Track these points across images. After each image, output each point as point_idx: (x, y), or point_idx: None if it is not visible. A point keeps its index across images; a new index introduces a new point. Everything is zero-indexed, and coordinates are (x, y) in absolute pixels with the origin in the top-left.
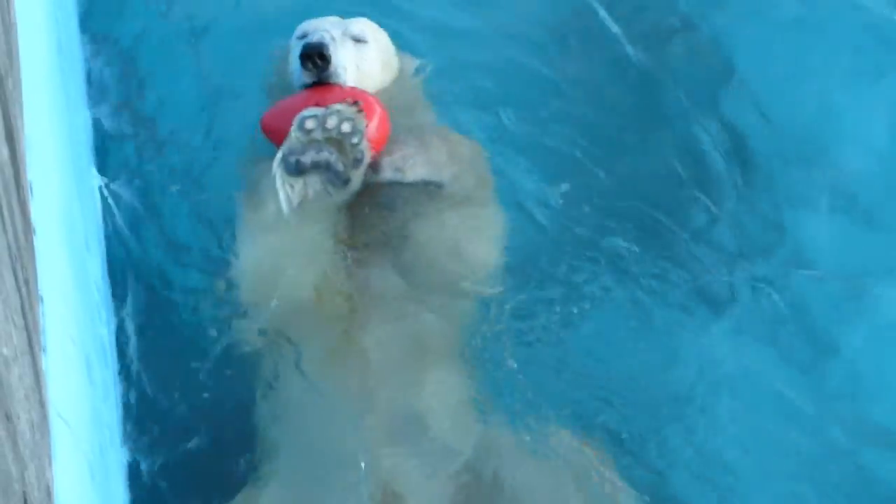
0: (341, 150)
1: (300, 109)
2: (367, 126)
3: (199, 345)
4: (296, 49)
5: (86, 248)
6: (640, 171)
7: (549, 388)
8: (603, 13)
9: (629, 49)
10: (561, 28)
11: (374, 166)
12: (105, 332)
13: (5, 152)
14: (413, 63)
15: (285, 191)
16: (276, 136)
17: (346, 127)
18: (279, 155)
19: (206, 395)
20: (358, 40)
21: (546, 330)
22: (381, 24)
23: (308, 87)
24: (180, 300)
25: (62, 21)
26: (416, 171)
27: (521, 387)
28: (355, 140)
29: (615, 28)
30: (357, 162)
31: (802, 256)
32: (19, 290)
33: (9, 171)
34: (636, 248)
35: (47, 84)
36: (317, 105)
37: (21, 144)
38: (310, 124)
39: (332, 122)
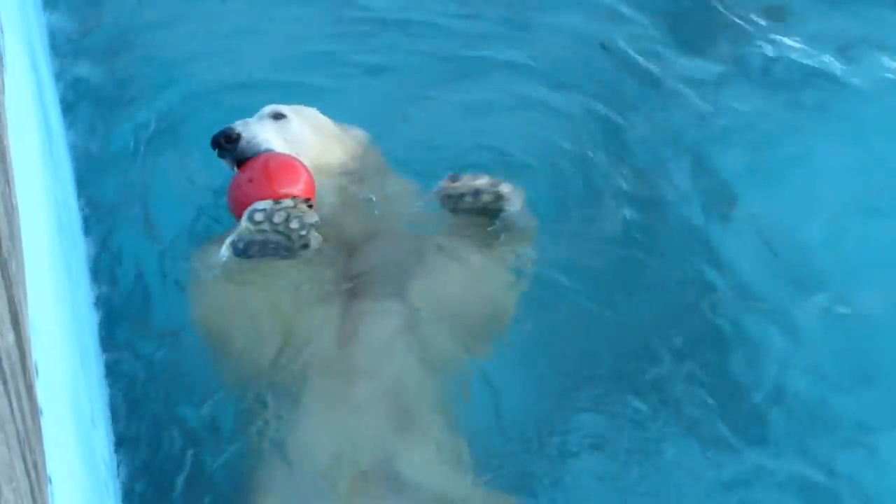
0: (289, 239)
1: (235, 189)
2: (307, 209)
3: None
4: None
5: (91, 423)
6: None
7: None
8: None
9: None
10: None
11: (494, 183)
12: None
13: (11, 337)
14: (364, 135)
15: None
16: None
17: (294, 224)
18: (228, 239)
19: None
20: (276, 117)
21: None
22: None
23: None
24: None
25: (61, 200)
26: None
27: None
28: (303, 232)
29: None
30: (304, 247)
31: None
32: (28, 474)
33: (15, 355)
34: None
35: (49, 264)
36: (248, 178)
37: (26, 327)
38: (258, 217)
39: (279, 217)
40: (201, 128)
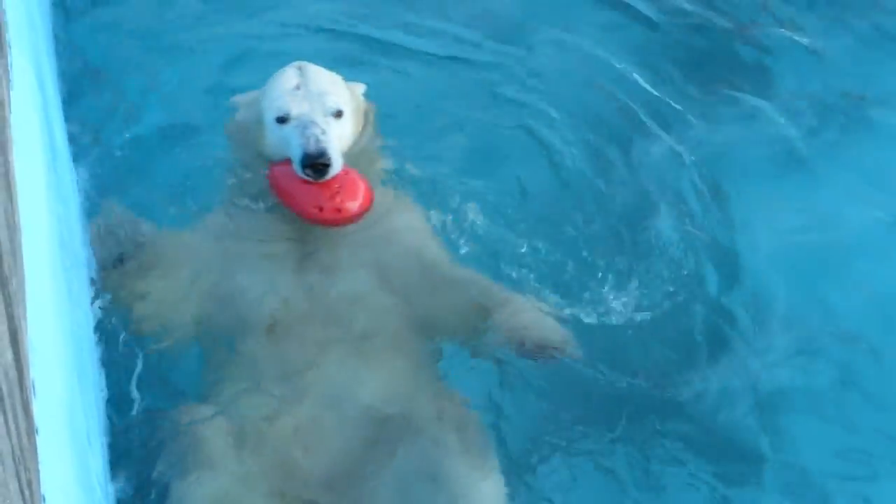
0: None
1: (303, 200)
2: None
3: None
4: (279, 132)
5: (87, 442)
6: None
7: None
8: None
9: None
10: None
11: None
12: None
13: (9, 355)
14: (363, 90)
15: None
16: (277, 192)
17: None
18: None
19: None
20: (337, 115)
21: None
22: None
23: None
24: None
25: (63, 217)
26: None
27: None
28: None
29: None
30: None
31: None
32: (22, 493)
33: (13, 373)
34: None
35: (50, 282)
36: (337, 209)
37: (24, 346)
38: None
39: None
40: (201, 140)
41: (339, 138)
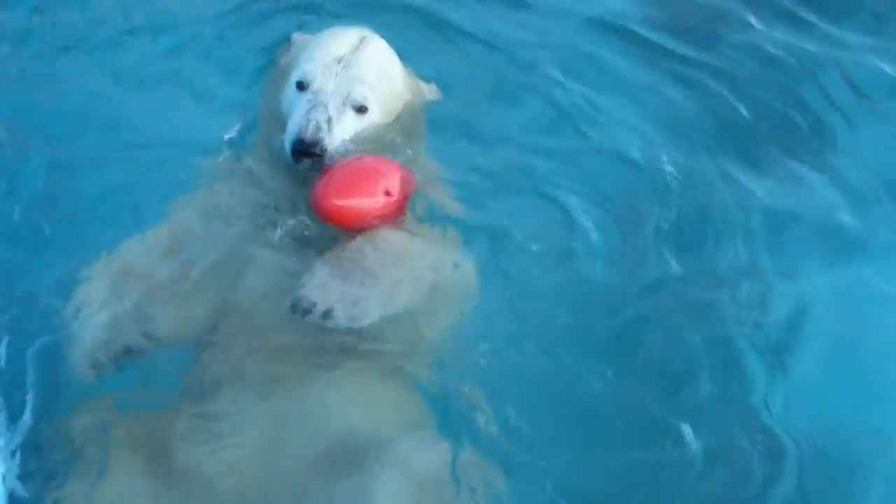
0: None
1: (365, 188)
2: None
3: None
4: (293, 96)
5: None
6: None
7: None
8: None
9: None
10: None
11: (327, 314)
12: None
13: None
14: (425, 88)
15: None
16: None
17: None
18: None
19: None
20: (360, 109)
21: None
22: None
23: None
24: None
25: None
26: (370, 314)
27: None
28: None
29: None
30: None
31: None
32: None
33: None
34: None
35: None
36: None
37: None
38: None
39: None
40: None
41: (352, 132)
